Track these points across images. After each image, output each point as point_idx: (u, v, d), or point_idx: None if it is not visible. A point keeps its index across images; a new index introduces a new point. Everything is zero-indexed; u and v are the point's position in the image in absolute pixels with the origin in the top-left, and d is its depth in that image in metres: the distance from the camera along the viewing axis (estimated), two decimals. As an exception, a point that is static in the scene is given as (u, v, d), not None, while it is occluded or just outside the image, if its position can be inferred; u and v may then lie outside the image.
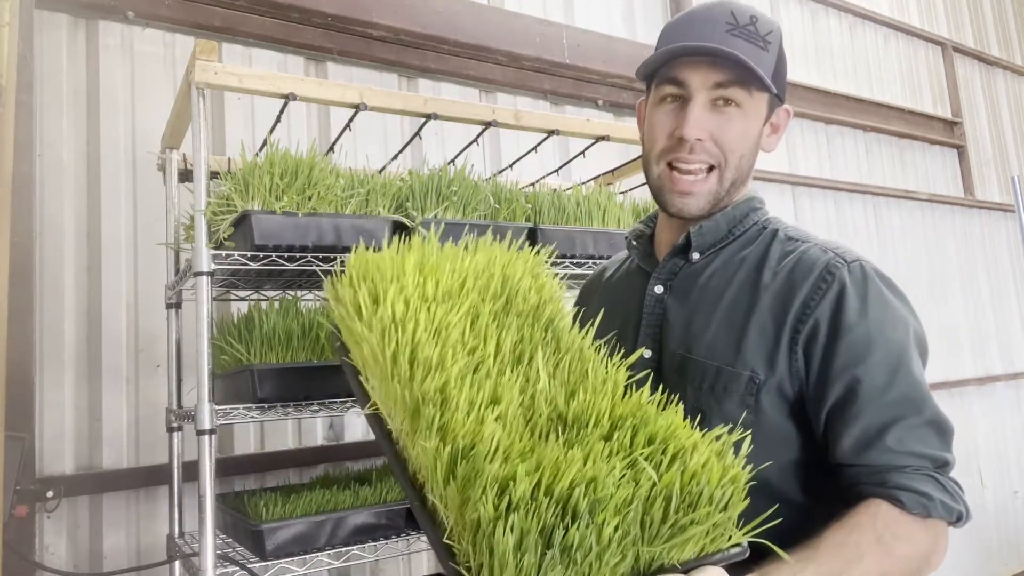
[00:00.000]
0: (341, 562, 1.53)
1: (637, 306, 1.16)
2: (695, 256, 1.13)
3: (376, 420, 0.94)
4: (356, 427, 2.38)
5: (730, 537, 0.79)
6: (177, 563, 1.75)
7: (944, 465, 0.96)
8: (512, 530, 0.70)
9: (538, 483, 0.73)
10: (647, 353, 1.11)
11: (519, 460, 0.75)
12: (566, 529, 0.71)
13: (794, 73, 4.04)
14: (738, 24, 1.04)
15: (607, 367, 0.96)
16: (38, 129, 1.99)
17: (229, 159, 1.85)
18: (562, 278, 1.85)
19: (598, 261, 1.83)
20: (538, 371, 0.91)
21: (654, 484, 0.77)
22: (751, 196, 1.15)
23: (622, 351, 1.02)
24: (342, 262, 1.10)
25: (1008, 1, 5.77)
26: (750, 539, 0.81)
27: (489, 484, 0.72)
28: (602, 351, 1.00)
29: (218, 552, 1.41)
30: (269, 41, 2.37)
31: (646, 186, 1.16)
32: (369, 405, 0.94)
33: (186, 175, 1.83)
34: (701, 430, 0.86)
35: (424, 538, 1.64)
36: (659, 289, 1.14)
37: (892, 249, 4.31)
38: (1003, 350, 4.82)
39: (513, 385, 0.87)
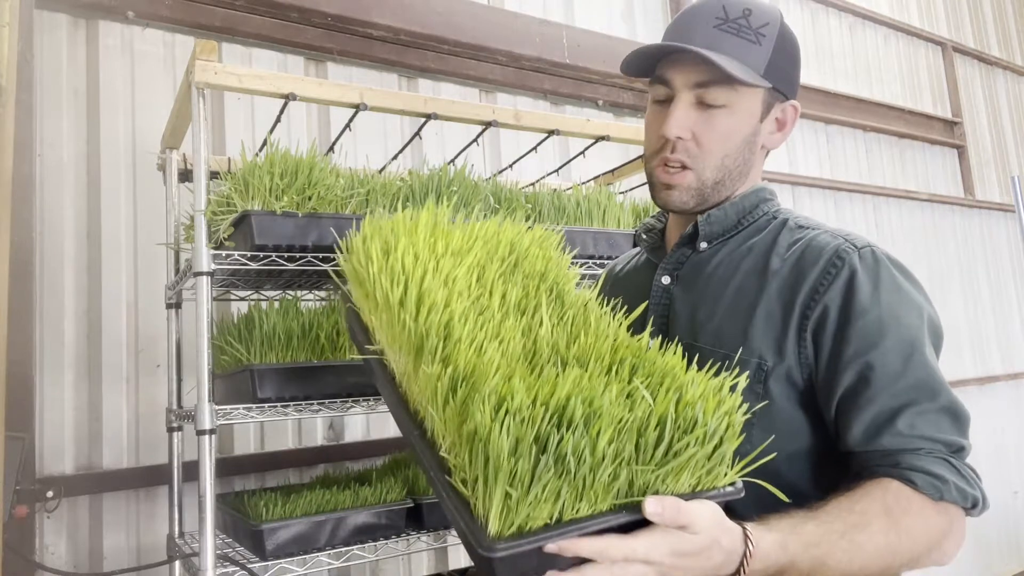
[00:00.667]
0: (341, 562, 1.53)
1: (645, 297, 1.16)
2: (702, 245, 1.12)
3: (379, 365, 0.97)
4: (356, 427, 2.38)
5: (726, 474, 0.80)
6: (177, 563, 1.75)
7: (959, 450, 0.93)
8: (508, 434, 0.70)
9: (535, 398, 0.74)
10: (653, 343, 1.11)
11: (518, 379, 0.76)
12: (560, 438, 0.71)
13: (794, 73, 4.04)
14: (728, 18, 1.04)
15: (610, 321, 0.99)
16: (38, 129, 1.99)
17: (229, 159, 1.85)
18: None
19: (598, 261, 1.83)
20: (542, 320, 0.93)
21: (650, 409, 0.77)
22: (761, 187, 1.14)
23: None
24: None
25: (1008, 1, 5.77)
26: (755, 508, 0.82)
27: (487, 396, 0.73)
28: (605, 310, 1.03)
29: (218, 552, 1.41)
30: (269, 41, 2.37)
31: (646, 186, 1.17)
32: (374, 351, 0.98)
33: (186, 175, 1.83)
34: None
35: (424, 538, 1.64)
36: (666, 279, 1.15)
37: (892, 249, 4.28)
38: (1003, 350, 4.82)
39: (516, 328, 0.90)
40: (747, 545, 0.78)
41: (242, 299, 1.97)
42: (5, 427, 1.51)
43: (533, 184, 2.24)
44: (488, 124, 1.77)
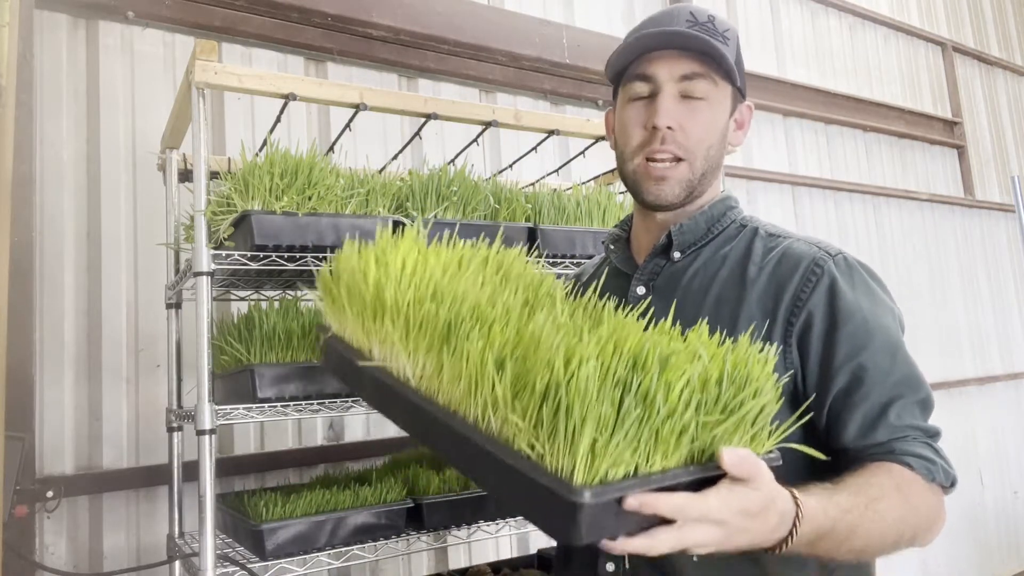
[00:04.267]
0: (341, 562, 1.53)
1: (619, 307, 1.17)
2: (676, 255, 1.15)
3: (385, 374, 0.93)
4: (356, 427, 2.38)
5: (763, 444, 0.82)
6: (177, 563, 1.75)
7: (935, 435, 1.01)
8: (590, 377, 0.69)
9: (601, 349, 0.74)
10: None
11: (575, 337, 0.75)
12: (640, 382, 0.72)
13: (794, 73, 4.04)
14: (697, 21, 1.10)
15: (620, 315, 0.98)
16: (38, 129, 1.99)
17: (229, 159, 1.85)
18: (560, 277, 1.85)
19: (598, 261, 1.83)
20: (556, 312, 0.92)
21: (707, 366, 0.78)
22: (726, 195, 1.19)
23: None
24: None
25: (1008, 1, 5.77)
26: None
27: (556, 350, 0.73)
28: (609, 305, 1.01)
29: (218, 552, 1.41)
30: (269, 41, 2.37)
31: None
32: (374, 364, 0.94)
33: (186, 175, 1.83)
34: None
35: (424, 538, 1.64)
36: (641, 289, 1.17)
37: (892, 249, 4.31)
38: (1003, 350, 4.82)
39: (538, 314, 0.89)
40: (797, 507, 0.80)
41: (242, 299, 1.97)
42: (5, 427, 1.51)
43: (533, 184, 2.24)
44: (488, 124, 1.78)
